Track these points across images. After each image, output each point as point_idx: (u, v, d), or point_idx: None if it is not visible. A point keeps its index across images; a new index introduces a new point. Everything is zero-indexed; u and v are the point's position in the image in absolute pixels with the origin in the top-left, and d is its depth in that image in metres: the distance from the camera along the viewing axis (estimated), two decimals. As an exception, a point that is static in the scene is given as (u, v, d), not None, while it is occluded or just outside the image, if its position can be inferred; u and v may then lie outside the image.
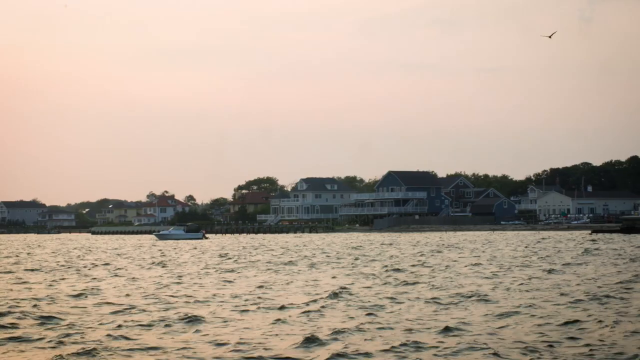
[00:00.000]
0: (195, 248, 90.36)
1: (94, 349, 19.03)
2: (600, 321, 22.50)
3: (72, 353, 18.61)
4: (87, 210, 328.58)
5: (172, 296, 31.10)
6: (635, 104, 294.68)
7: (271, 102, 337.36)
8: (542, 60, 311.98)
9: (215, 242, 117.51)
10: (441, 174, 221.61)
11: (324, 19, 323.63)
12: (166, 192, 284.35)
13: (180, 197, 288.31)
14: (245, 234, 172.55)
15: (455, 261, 52.90)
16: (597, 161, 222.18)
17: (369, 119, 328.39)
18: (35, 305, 27.68)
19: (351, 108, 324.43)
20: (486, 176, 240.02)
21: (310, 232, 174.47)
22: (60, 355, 18.46)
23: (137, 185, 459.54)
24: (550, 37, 55.35)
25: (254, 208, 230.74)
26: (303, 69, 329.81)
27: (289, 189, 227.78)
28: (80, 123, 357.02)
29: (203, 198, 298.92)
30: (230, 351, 18.97)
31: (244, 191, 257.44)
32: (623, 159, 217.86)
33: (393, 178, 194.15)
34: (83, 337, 20.82)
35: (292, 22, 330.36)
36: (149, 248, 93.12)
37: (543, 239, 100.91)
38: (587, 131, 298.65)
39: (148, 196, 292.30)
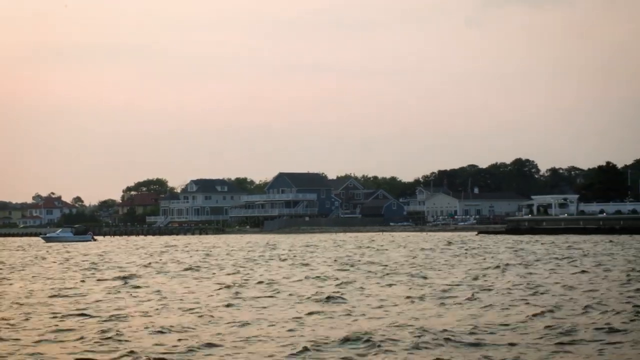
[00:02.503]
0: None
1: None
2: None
3: None
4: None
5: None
6: (520, 107, 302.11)
7: (162, 101, 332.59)
8: (435, 62, 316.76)
9: (107, 244, 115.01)
10: (331, 175, 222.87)
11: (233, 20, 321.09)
12: (53, 193, 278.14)
13: (68, 198, 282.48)
14: (134, 236, 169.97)
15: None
16: (483, 163, 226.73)
17: (261, 120, 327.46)
18: None
19: (248, 108, 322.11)
20: (375, 178, 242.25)
21: (200, 233, 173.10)
22: None
23: (23, 186, 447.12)
24: None
25: (143, 210, 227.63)
26: (196, 68, 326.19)
27: (179, 191, 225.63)
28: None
29: (91, 199, 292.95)
30: None
31: (132, 193, 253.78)
32: (508, 161, 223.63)
33: (283, 179, 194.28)
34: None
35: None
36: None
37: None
38: (474, 134, 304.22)
39: (34, 197, 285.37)
